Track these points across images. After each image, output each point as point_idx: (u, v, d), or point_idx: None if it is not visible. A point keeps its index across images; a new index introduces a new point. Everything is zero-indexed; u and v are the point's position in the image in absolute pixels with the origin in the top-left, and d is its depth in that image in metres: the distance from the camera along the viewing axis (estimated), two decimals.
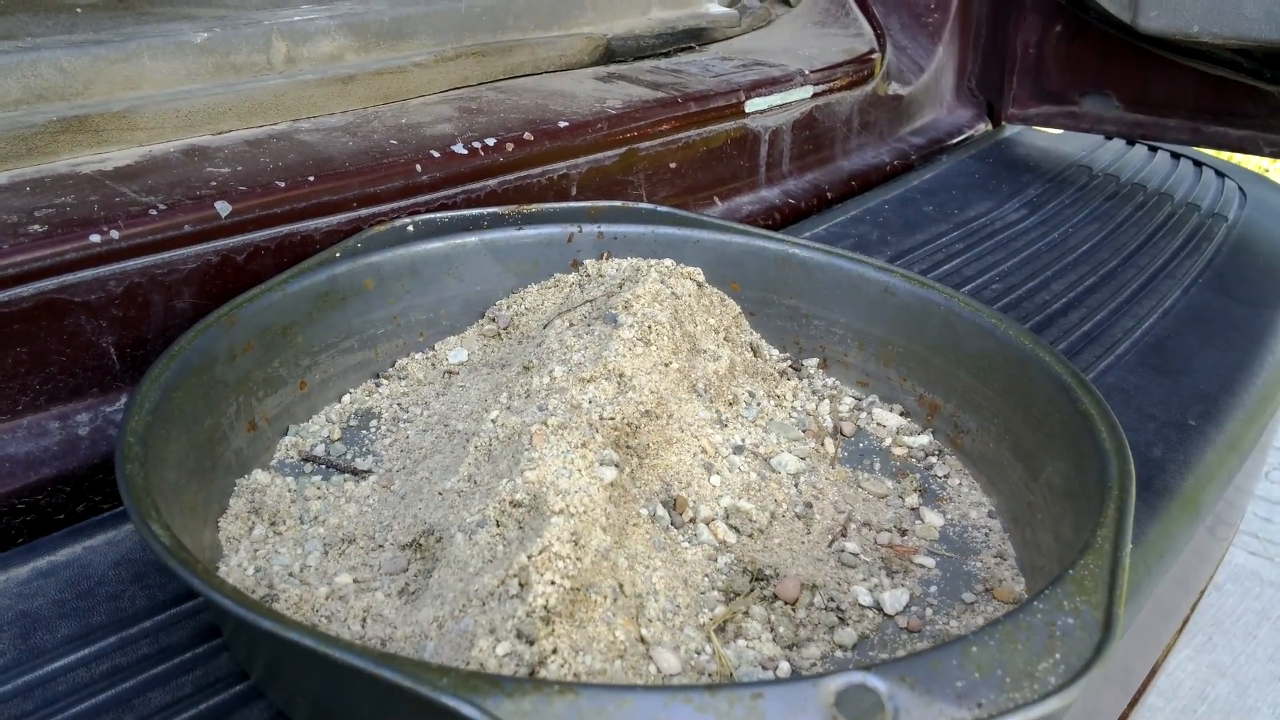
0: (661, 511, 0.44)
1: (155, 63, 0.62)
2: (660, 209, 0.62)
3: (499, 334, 0.59)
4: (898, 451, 0.54)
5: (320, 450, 0.52)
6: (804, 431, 0.53)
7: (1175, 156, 1.08)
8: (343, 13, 0.72)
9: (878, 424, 0.56)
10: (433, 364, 0.58)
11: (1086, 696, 0.50)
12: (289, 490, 0.48)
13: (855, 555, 0.45)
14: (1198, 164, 1.06)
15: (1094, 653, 0.29)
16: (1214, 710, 1.75)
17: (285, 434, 0.52)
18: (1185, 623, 0.81)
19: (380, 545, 0.43)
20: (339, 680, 0.33)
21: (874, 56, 0.96)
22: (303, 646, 0.29)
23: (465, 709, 0.26)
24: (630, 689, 0.26)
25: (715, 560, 0.43)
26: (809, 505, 0.48)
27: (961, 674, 0.28)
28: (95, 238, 0.48)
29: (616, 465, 0.43)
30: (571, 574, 0.36)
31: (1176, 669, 1.82)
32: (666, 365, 0.49)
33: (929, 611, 0.43)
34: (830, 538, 0.46)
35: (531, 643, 0.34)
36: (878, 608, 0.42)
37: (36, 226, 0.47)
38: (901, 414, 0.56)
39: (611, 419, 0.44)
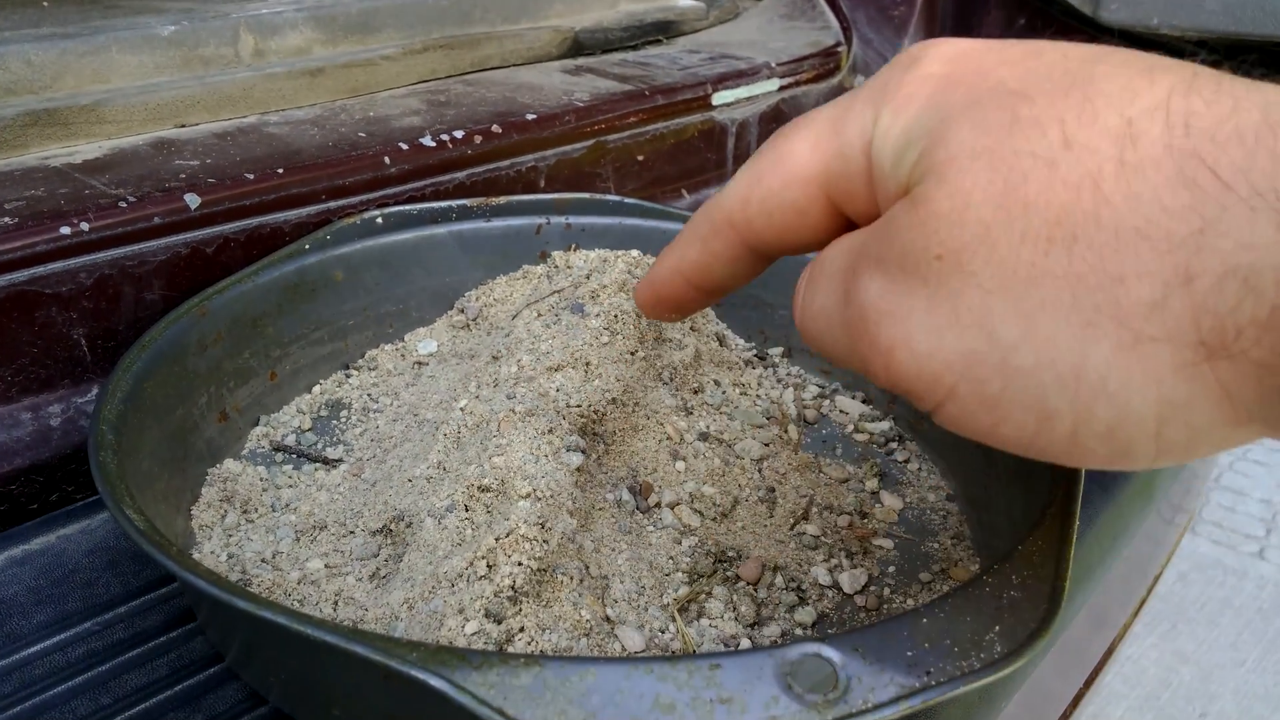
0: (627, 496, 0.45)
1: (123, 56, 0.62)
2: (627, 201, 0.63)
3: (468, 325, 0.59)
4: (859, 437, 0.55)
5: (291, 440, 0.52)
6: (768, 419, 0.55)
7: None
8: (310, 5, 0.73)
9: (840, 411, 0.57)
10: (402, 355, 0.59)
11: (1041, 674, 0.51)
12: (260, 479, 0.49)
13: (816, 538, 0.46)
14: None
15: (1040, 623, 0.30)
16: (1177, 696, 1.78)
17: (256, 424, 0.53)
18: (1141, 605, 0.83)
19: (351, 531, 0.44)
20: (311, 658, 0.34)
21: (840, 49, 0.97)
22: (275, 624, 0.30)
23: (434, 681, 0.27)
24: (593, 660, 0.27)
25: (680, 543, 0.44)
26: (772, 490, 0.49)
27: (912, 644, 0.29)
28: (65, 230, 0.48)
29: (583, 451, 0.44)
30: (538, 555, 0.37)
31: (1140, 656, 1.85)
32: (633, 354, 0.50)
33: (887, 591, 0.44)
34: (792, 521, 0.47)
35: (499, 622, 0.35)
36: (837, 587, 0.44)
37: (6, 219, 0.47)
38: (864, 401, 0.58)
39: (578, 406, 0.45)
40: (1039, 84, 0.25)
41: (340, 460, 0.51)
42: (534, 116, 0.68)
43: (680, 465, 0.48)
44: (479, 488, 0.40)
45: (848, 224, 0.32)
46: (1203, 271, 0.22)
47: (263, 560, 0.43)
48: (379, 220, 0.59)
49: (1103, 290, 0.24)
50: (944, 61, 0.28)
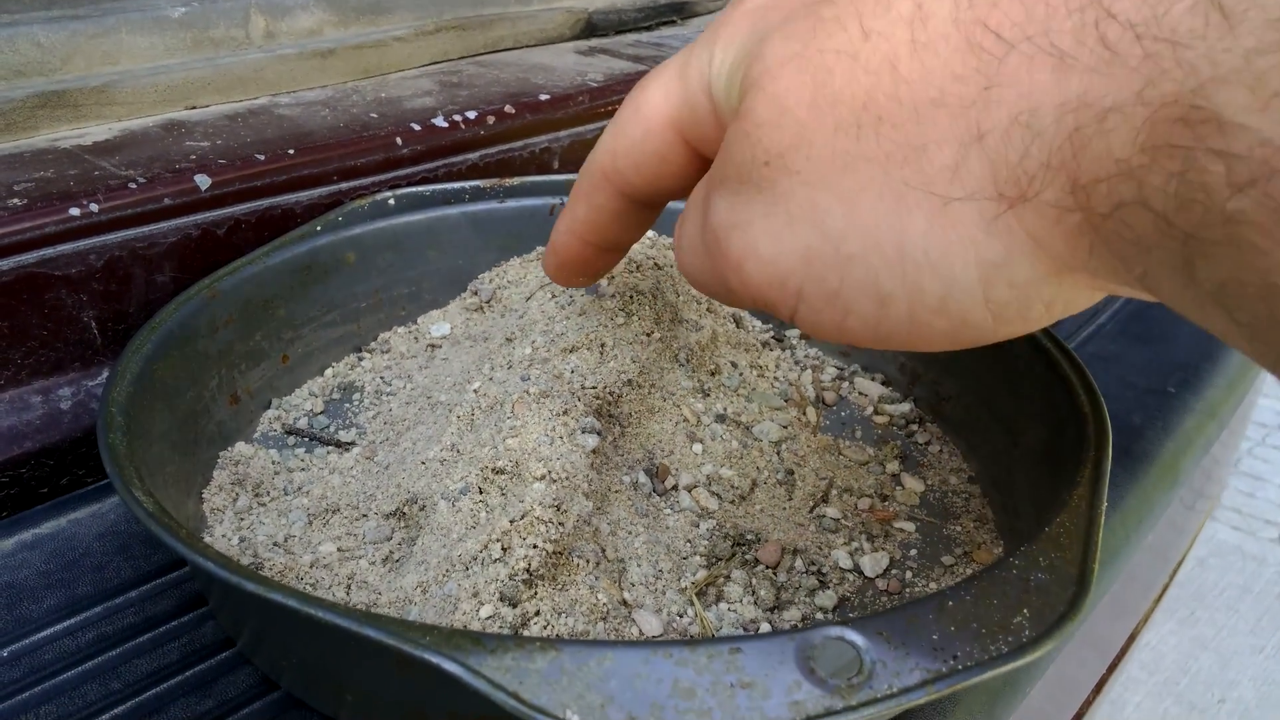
0: (644, 479, 0.45)
1: (133, 37, 0.62)
2: None
3: (481, 307, 0.59)
4: (879, 419, 0.54)
5: (303, 423, 0.52)
6: (786, 401, 0.54)
7: None
8: None
9: (859, 392, 0.56)
10: (415, 337, 0.59)
11: (1064, 661, 0.50)
12: (272, 462, 0.48)
13: (836, 520, 0.45)
14: None
15: (1068, 606, 0.30)
16: (1196, 682, 1.77)
17: (268, 407, 0.52)
18: (1163, 593, 0.82)
19: (364, 515, 0.44)
20: (323, 642, 0.33)
21: None
22: (287, 608, 0.29)
23: (448, 665, 0.26)
24: (611, 644, 0.27)
25: (697, 526, 0.44)
26: (790, 472, 0.48)
27: (937, 628, 0.28)
28: (75, 211, 0.48)
29: (599, 433, 0.43)
30: (553, 538, 0.37)
31: (1159, 642, 1.84)
32: (649, 335, 0.49)
33: (909, 574, 0.43)
34: (811, 504, 0.46)
35: (514, 605, 0.35)
36: (858, 571, 0.43)
37: (16, 200, 0.47)
38: (883, 382, 0.57)
39: (594, 388, 0.45)
40: None
41: (353, 443, 0.50)
42: (547, 97, 0.67)
43: (697, 448, 0.48)
44: (493, 470, 0.40)
45: (710, 165, 0.32)
46: (992, 126, 0.23)
47: (274, 544, 0.42)
48: (391, 201, 0.58)
49: (909, 163, 0.24)
50: None
